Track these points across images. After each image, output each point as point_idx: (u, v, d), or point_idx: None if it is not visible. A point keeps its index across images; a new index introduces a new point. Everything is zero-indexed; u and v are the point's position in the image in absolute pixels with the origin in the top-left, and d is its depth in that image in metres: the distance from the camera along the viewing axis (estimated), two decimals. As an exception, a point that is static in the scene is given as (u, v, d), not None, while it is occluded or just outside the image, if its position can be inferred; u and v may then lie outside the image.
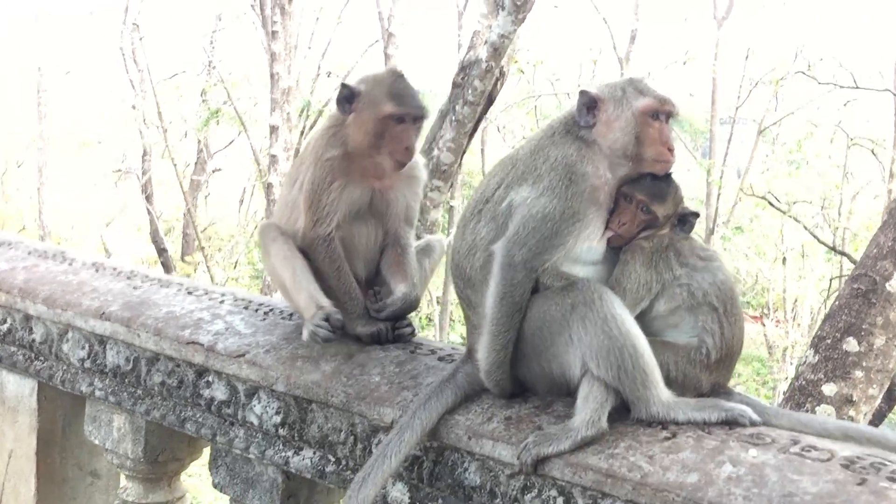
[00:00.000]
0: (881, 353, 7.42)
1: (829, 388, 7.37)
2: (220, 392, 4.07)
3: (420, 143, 3.89)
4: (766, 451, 3.03)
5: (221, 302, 4.49)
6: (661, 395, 3.22)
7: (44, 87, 30.98)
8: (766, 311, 33.72)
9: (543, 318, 3.31)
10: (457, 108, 10.33)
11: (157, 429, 4.43)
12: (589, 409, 3.19)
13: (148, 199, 28.10)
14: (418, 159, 4.21)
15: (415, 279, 4.18)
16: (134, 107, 28.21)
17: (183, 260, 30.00)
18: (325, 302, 3.97)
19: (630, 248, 3.44)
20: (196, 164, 31.77)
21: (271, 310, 4.38)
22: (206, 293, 4.62)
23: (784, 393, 8.42)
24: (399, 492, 3.57)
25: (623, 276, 3.38)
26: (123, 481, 4.80)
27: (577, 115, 3.52)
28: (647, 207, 3.42)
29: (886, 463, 2.94)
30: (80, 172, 36.48)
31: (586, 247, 3.40)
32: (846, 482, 2.81)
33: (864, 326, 7.40)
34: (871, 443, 3.12)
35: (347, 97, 3.97)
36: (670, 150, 3.45)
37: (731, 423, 3.20)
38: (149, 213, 27.79)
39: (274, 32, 20.17)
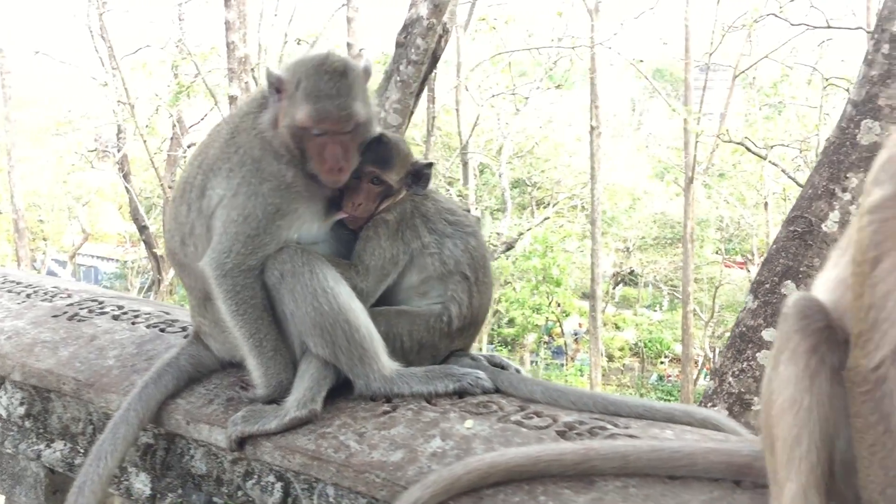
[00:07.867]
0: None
1: (768, 334, 7.00)
2: (-31, 383, 3.76)
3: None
4: (484, 420, 2.74)
5: (-10, 285, 4.17)
6: (383, 370, 2.93)
7: (6, 69, 30.46)
8: (750, 256, 33.37)
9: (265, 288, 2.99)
10: (401, 68, 9.83)
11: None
12: (303, 387, 2.90)
13: (126, 177, 27.65)
14: None
15: None
16: (105, 84, 27.73)
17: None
18: None
19: (373, 222, 3.08)
20: (172, 139, 31.32)
21: (35, 291, 4.06)
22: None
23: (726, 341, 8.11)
24: (142, 483, 3.26)
25: (366, 252, 3.05)
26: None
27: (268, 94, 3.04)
28: (377, 178, 3.05)
29: (607, 427, 2.67)
30: (56, 153, 36.10)
31: (306, 233, 3.03)
32: (553, 451, 2.52)
33: (801, 269, 6.97)
34: (612, 411, 2.82)
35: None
36: (338, 170, 2.95)
37: (461, 392, 2.93)
38: (127, 191, 27.39)
39: (227, 1, 19.79)
